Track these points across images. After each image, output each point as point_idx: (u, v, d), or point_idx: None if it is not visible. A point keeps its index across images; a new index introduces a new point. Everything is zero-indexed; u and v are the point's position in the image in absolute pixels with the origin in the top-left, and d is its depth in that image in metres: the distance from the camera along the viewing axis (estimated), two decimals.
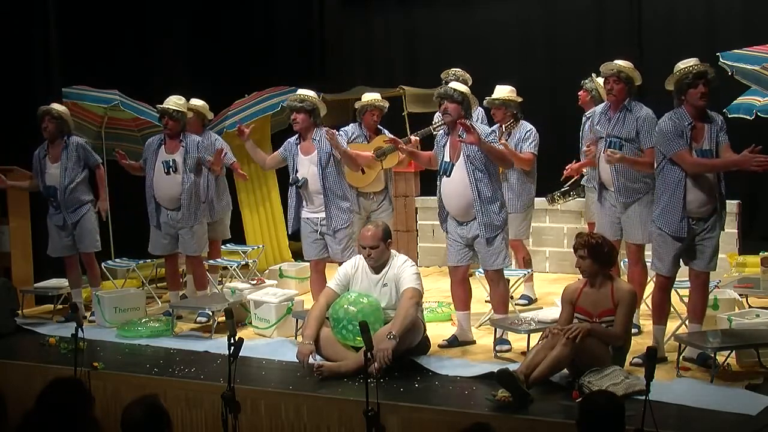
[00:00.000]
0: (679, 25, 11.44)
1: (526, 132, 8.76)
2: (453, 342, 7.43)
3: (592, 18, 11.98)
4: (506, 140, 8.56)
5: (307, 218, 8.01)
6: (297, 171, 7.98)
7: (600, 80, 7.99)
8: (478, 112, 8.82)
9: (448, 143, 7.35)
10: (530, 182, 8.87)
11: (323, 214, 7.92)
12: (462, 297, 7.52)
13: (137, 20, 11.56)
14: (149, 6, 11.70)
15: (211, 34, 12.51)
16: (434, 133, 8.54)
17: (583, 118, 8.44)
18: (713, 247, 6.61)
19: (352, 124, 9.05)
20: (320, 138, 7.94)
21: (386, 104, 9.02)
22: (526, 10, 12.39)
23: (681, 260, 6.71)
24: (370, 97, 8.96)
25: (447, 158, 7.34)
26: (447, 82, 9.09)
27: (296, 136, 8.07)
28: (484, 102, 8.81)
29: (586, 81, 8.70)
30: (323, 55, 13.44)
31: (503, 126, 8.71)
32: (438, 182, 7.46)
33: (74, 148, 8.67)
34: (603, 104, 7.85)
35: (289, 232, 8.35)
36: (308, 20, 13.44)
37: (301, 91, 8.08)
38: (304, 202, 8.01)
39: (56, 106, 8.79)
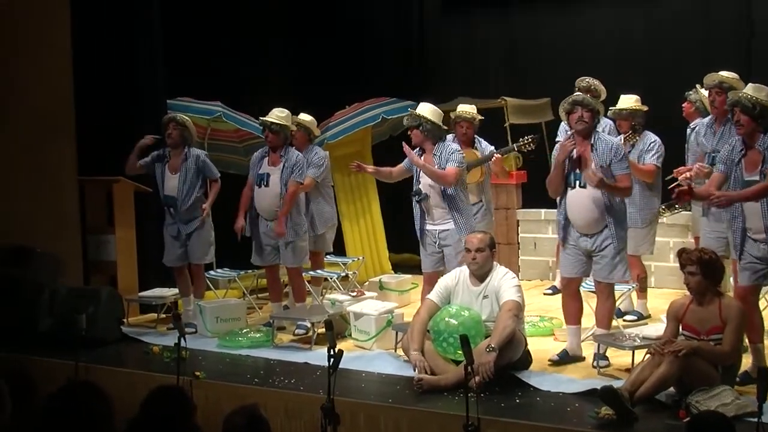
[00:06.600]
0: None
1: (650, 143, 8.54)
2: (564, 357, 7.27)
3: (697, 27, 11.66)
4: (629, 152, 8.34)
5: (428, 230, 7.94)
6: (419, 182, 7.96)
7: (704, 91, 7.81)
8: (605, 124, 8.69)
9: (574, 153, 7.13)
10: (653, 195, 8.62)
11: (442, 227, 7.85)
12: (573, 311, 7.35)
13: (238, 33, 11.72)
14: (251, 21, 11.84)
15: (312, 47, 12.62)
16: (517, 151, 8.63)
17: (688, 130, 8.29)
18: None
19: (450, 136, 9.02)
20: (440, 153, 7.88)
21: (471, 115, 8.92)
22: (628, 18, 12.12)
23: None
24: (461, 109, 8.93)
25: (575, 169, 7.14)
26: (580, 90, 8.99)
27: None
28: (609, 113, 8.63)
29: (690, 92, 8.50)
30: (423, 65, 13.40)
31: (625, 137, 8.52)
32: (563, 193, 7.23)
33: (194, 160, 8.79)
34: (709, 117, 7.72)
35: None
36: (407, 30, 13.44)
37: (420, 108, 8.03)
38: (426, 216, 7.95)
39: (181, 115, 9.00)
